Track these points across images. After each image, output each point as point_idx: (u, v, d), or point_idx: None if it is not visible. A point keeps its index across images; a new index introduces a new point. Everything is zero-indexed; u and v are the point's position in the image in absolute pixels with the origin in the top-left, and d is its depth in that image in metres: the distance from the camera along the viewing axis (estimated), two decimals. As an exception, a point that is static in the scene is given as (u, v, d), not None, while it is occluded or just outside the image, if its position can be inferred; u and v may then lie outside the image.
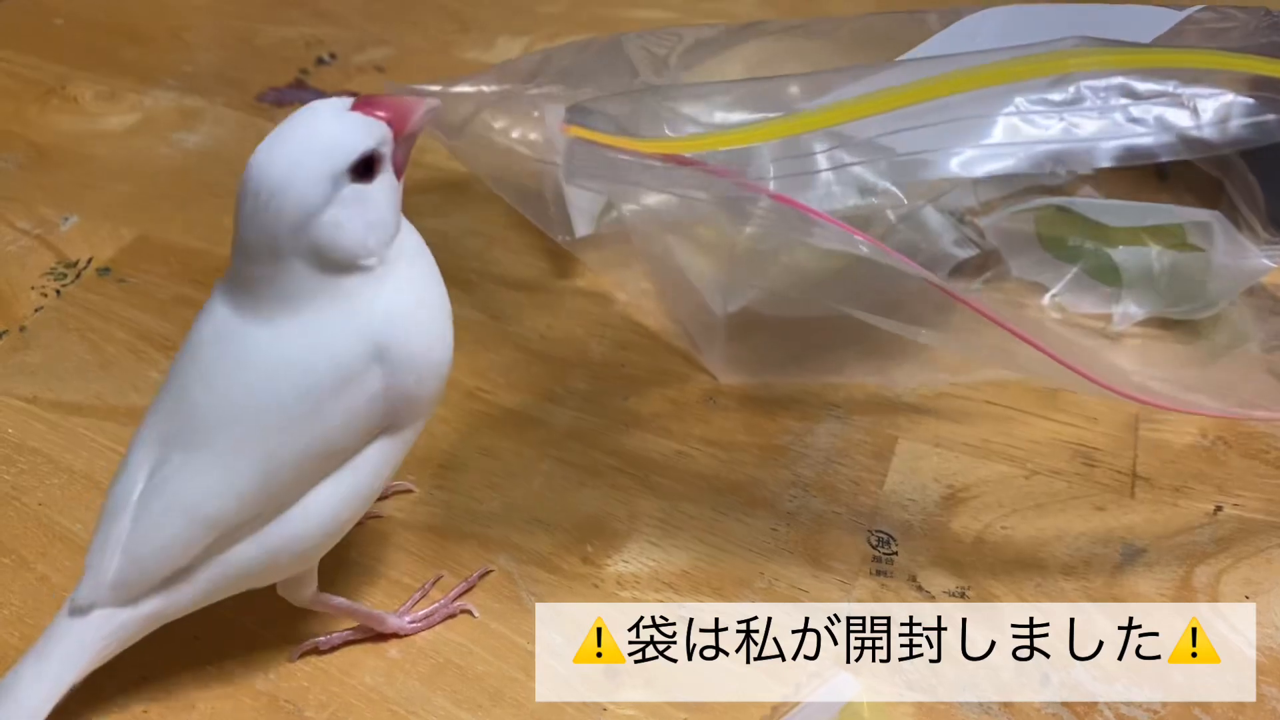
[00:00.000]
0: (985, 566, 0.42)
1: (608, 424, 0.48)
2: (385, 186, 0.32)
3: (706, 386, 0.50)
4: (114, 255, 0.57)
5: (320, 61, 0.74)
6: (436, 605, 0.40)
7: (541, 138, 0.53)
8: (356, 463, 0.34)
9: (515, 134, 0.54)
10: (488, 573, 0.41)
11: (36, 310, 0.54)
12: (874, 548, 0.42)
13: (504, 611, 0.40)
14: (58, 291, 0.55)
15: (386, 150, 0.32)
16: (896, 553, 0.42)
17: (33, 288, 0.55)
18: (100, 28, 0.79)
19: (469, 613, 0.40)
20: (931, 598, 0.40)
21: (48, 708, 0.33)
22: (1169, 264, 0.51)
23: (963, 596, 0.40)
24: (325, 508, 0.34)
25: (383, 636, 0.39)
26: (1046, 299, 0.52)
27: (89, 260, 0.57)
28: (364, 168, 0.31)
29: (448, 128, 0.54)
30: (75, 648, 0.33)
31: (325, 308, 0.32)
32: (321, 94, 0.70)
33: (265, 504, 0.33)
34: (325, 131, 0.31)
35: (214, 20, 0.80)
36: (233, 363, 0.33)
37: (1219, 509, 0.44)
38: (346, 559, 0.37)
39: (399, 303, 0.33)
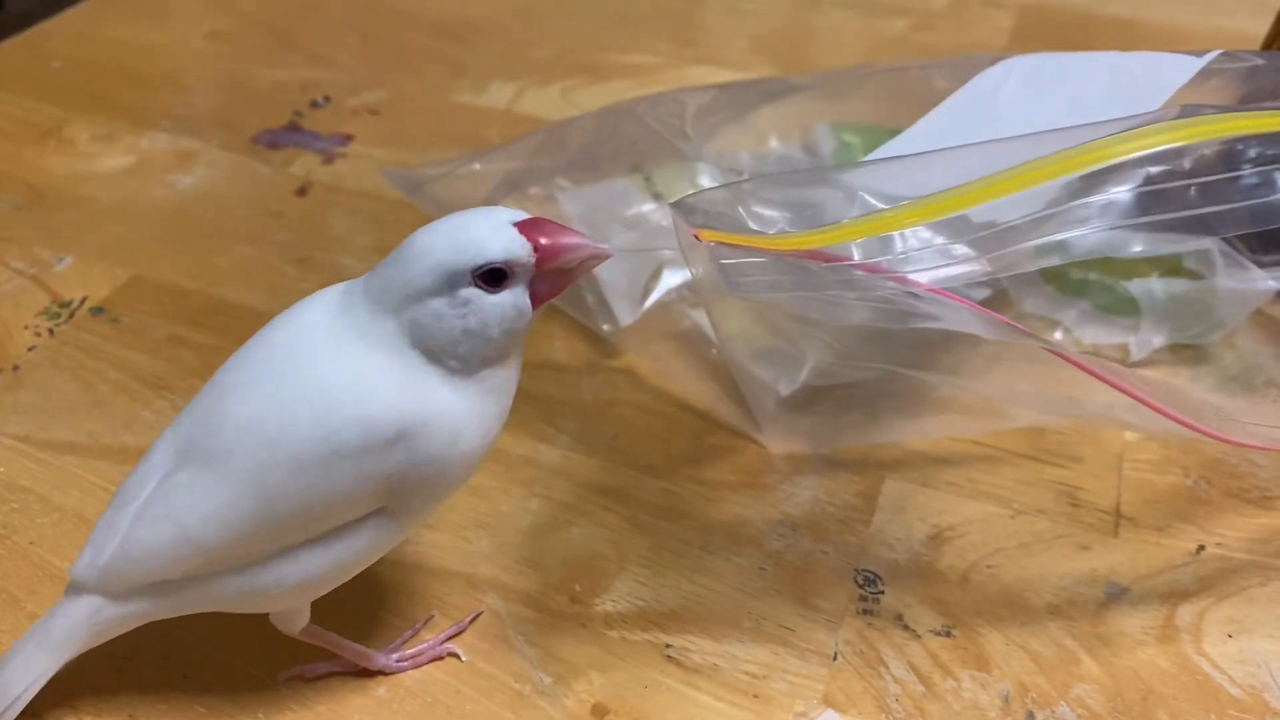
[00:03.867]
0: (971, 605, 0.42)
1: (596, 463, 0.48)
2: (504, 304, 0.33)
3: (694, 425, 0.50)
4: (108, 295, 0.58)
5: (315, 104, 0.75)
6: (425, 646, 0.40)
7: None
8: (351, 534, 0.34)
9: None
10: (478, 616, 0.41)
11: (30, 349, 0.54)
12: (860, 587, 0.43)
13: (492, 651, 0.40)
14: (51, 331, 0.55)
15: (519, 271, 0.32)
16: (883, 592, 0.42)
17: (26, 327, 0.55)
18: (97, 71, 0.80)
19: (456, 656, 0.40)
20: (917, 637, 0.41)
21: (39, 682, 0.35)
22: (1181, 291, 0.51)
23: (948, 635, 0.41)
24: (310, 567, 0.35)
25: (368, 672, 0.39)
26: (1059, 333, 0.53)
27: (83, 300, 0.57)
28: (490, 277, 0.32)
29: None
30: (68, 630, 0.35)
31: (391, 366, 0.33)
32: (316, 136, 0.71)
33: (254, 545, 0.34)
34: (469, 231, 0.32)
35: (210, 64, 0.81)
36: (282, 377, 0.33)
37: (1201, 548, 0.44)
38: (335, 594, 0.37)
39: (449, 415, 0.33)
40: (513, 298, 0.33)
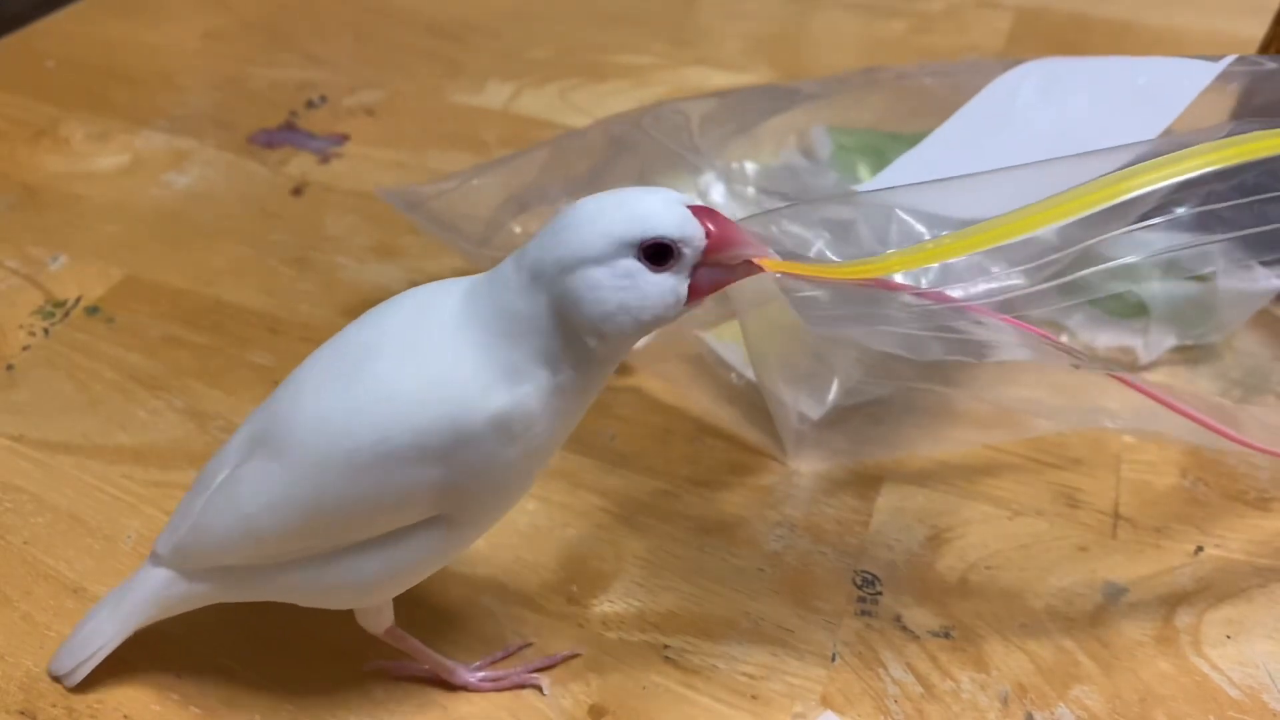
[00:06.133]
0: (969, 607, 0.42)
1: (593, 464, 0.48)
2: (663, 286, 0.31)
3: (691, 427, 0.50)
4: (103, 295, 0.57)
5: (310, 104, 0.75)
6: (512, 671, 0.39)
7: None
8: (407, 539, 0.34)
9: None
10: (574, 655, 0.40)
11: (24, 349, 0.54)
12: (859, 588, 0.43)
13: (488, 652, 0.40)
14: (46, 330, 0.55)
15: (687, 252, 0.31)
16: (881, 593, 0.42)
17: (21, 326, 0.55)
18: (92, 70, 0.79)
19: (539, 688, 0.39)
20: (916, 638, 0.41)
21: (112, 644, 0.37)
22: (1184, 292, 0.51)
23: (947, 636, 0.41)
24: (367, 569, 0.34)
25: (446, 684, 0.39)
26: (1064, 337, 0.53)
27: (77, 299, 0.57)
28: (655, 253, 0.30)
29: (470, 238, 0.53)
30: (142, 597, 0.37)
31: (462, 372, 0.32)
32: (312, 136, 0.71)
33: (310, 539, 0.34)
34: (642, 202, 0.31)
35: (205, 63, 0.81)
36: (351, 375, 0.33)
37: (1200, 549, 0.44)
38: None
39: (508, 428, 0.32)
40: (673, 282, 0.31)
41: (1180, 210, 0.35)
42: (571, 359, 0.32)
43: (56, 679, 0.38)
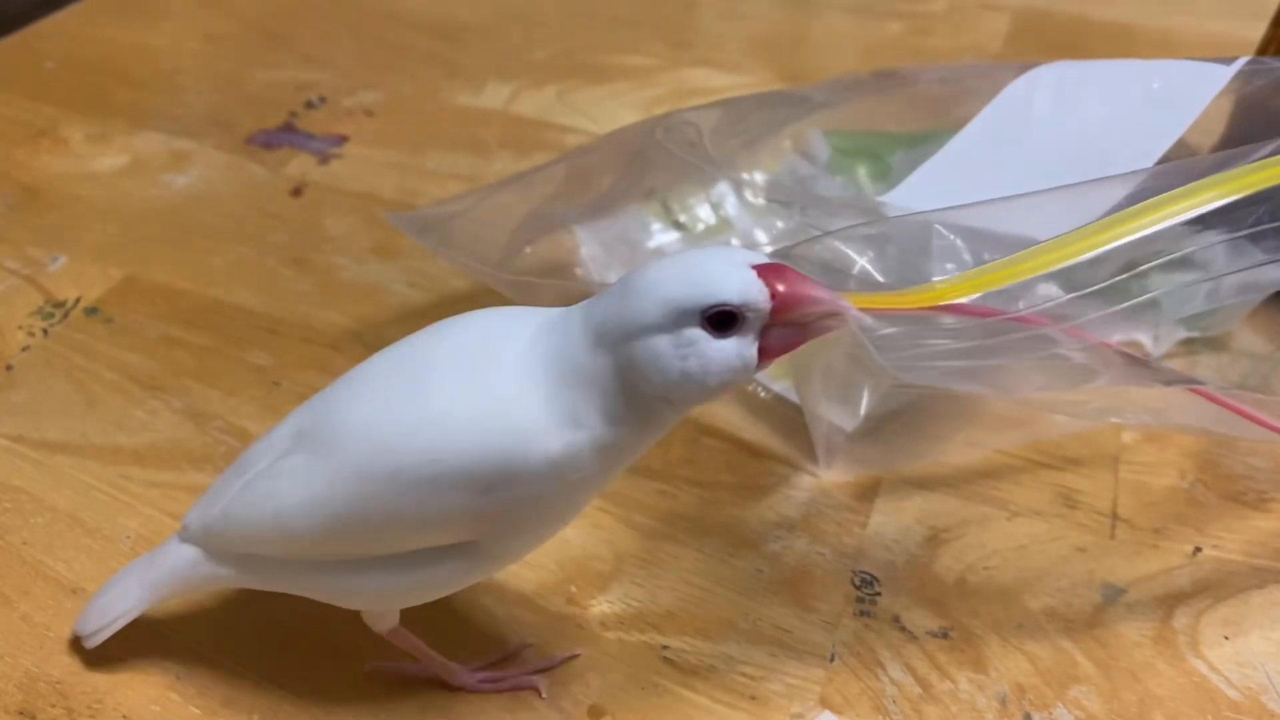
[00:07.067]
0: (968, 607, 0.42)
1: (593, 464, 0.48)
2: (729, 352, 0.30)
3: (689, 427, 0.50)
4: (102, 295, 0.57)
5: (310, 105, 0.75)
6: (511, 672, 0.39)
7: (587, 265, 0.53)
8: (437, 560, 0.34)
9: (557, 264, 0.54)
10: (574, 656, 0.40)
11: (23, 349, 0.54)
12: (857, 588, 0.43)
13: (487, 653, 0.40)
14: (45, 331, 0.55)
15: (751, 317, 0.30)
16: (880, 593, 0.42)
17: (20, 327, 0.55)
18: (91, 70, 0.79)
19: (537, 691, 0.39)
20: (914, 638, 0.41)
21: (135, 611, 0.37)
22: (1189, 284, 0.51)
23: (945, 637, 0.41)
24: (392, 583, 0.34)
25: (445, 684, 0.39)
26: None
27: (77, 300, 0.57)
28: (718, 320, 0.30)
29: (486, 262, 0.53)
30: (168, 570, 0.37)
31: (524, 407, 0.31)
32: (311, 137, 0.71)
33: (340, 546, 0.34)
34: (704, 268, 0.30)
35: (204, 64, 0.81)
36: (408, 389, 0.32)
37: (1198, 550, 0.44)
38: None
39: (559, 470, 0.31)
40: (738, 346, 0.30)
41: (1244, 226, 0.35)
42: (633, 418, 0.31)
43: (79, 638, 0.38)
